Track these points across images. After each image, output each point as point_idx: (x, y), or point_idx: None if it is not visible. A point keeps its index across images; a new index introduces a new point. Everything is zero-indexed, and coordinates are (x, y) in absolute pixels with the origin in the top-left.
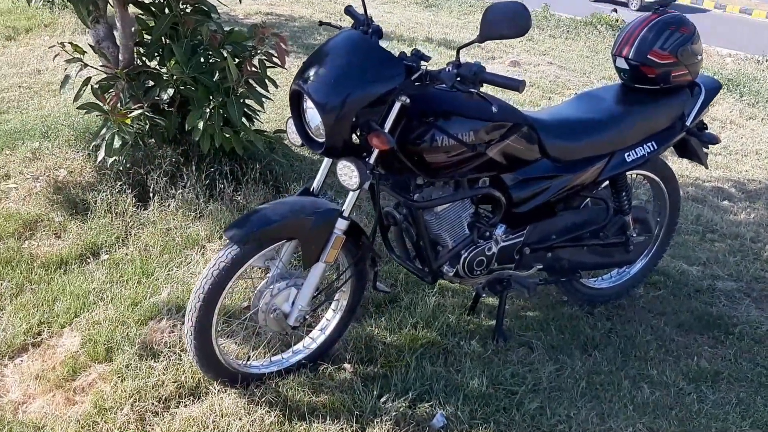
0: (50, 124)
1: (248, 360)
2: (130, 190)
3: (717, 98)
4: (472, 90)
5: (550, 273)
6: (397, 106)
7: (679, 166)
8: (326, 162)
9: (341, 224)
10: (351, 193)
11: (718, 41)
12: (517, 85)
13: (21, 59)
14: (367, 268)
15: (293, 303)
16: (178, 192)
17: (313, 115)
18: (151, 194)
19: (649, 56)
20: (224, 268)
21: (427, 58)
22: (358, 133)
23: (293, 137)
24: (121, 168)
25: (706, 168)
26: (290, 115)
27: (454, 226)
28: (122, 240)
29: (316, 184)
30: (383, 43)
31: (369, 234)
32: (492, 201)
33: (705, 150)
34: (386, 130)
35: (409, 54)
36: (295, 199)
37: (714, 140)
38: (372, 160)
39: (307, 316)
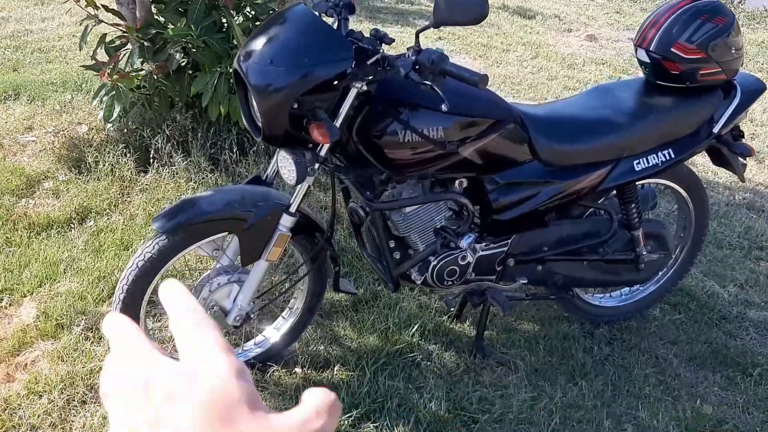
0: (87, 76)
1: None
2: (130, 154)
3: None
4: (427, 83)
5: (541, 288)
6: (352, 93)
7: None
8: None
9: (286, 220)
10: (298, 186)
11: None
12: (476, 80)
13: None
14: (327, 266)
15: (234, 300)
16: (179, 159)
17: (252, 97)
18: (152, 160)
19: (672, 49)
20: (150, 259)
21: (389, 41)
22: (305, 122)
23: (243, 119)
24: (125, 130)
25: (743, 182)
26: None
27: (425, 230)
28: (114, 205)
29: (269, 171)
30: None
31: (326, 229)
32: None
33: (742, 161)
34: (340, 120)
35: (367, 34)
36: (239, 188)
37: (747, 152)
38: (323, 153)
39: (252, 316)
